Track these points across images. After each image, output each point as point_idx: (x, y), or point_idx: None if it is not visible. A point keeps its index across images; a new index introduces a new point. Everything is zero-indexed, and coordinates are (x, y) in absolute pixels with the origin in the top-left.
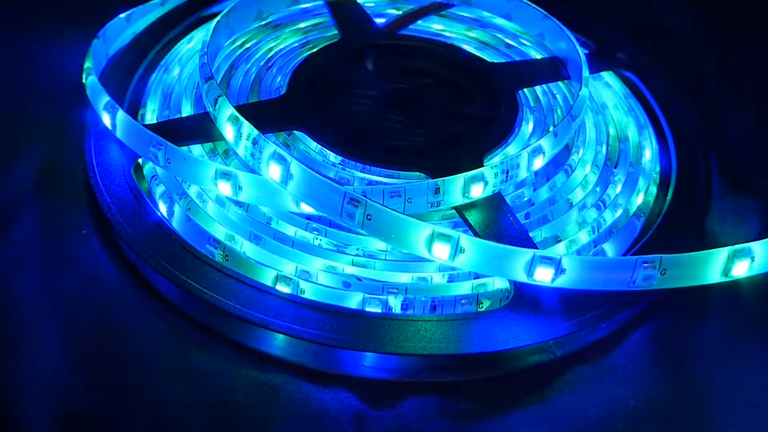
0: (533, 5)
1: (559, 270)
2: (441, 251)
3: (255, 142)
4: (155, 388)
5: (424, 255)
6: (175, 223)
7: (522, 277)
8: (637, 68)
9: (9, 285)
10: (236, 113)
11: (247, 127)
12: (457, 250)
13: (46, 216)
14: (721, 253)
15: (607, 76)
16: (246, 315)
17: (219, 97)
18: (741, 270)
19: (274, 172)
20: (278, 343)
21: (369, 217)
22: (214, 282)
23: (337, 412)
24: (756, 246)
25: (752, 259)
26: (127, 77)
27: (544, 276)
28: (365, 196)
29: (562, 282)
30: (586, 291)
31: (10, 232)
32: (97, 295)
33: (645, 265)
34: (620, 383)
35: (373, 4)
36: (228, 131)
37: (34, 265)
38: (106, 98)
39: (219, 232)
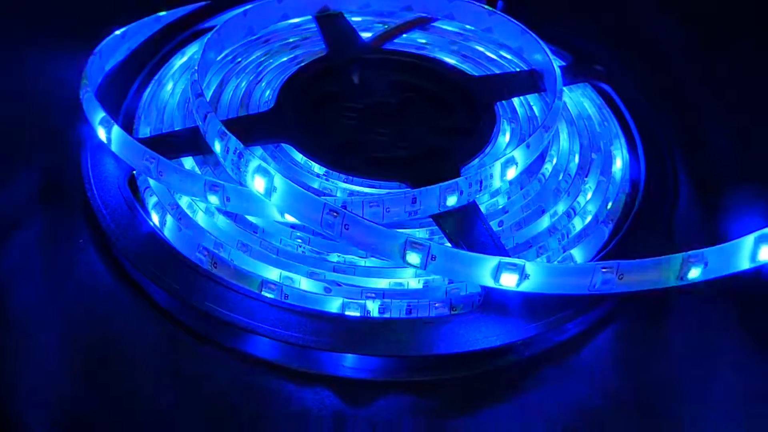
0: (513, 20)
1: (523, 275)
2: (414, 259)
3: (241, 156)
4: (148, 390)
5: (398, 262)
6: (167, 233)
7: (489, 282)
8: (612, 80)
9: (9, 293)
10: (224, 128)
11: (234, 142)
12: (428, 257)
13: (44, 227)
14: (676, 259)
15: (584, 87)
16: (233, 319)
17: (208, 113)
18: (695, 274)
19: (258, 184)
20: (263, 345)
21: (347, 226)
22: (203, 288)
23: (319, 411)
24: (709, 252)
25: (705, 264)
26: (123, 92)
27: (509, 281)
28: (345, 207)
29: (526, 287)
30: (551, 294)
31: (10, 243)
32: (94, 301)
33: (603, 270)
34: (586, 382)
35: (359, 19)
36: (216, 146)
37: (33, 273)
38: (101, 114)
39: (208, 240)
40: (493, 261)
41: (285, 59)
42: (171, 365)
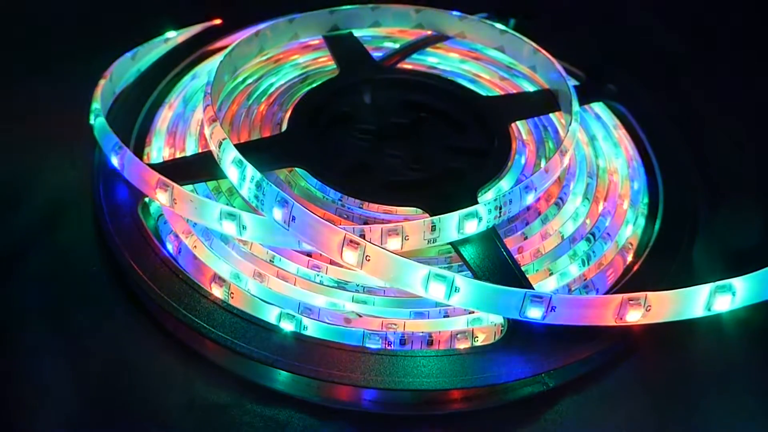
0: (525, 39)
1: (550, 308)
2: (437, 291)
3: (259, 186)
4: (165, 422)
5: (421, 294)
6: (182, 261)
7: (515, 315)
8: (625, 99)
9: (22, 321)
10: (240, 157)
11: (251, 170)
12: (452, 289)
13: (57, 254)
14: (704, 289)
15: (597, 107)
16: (251, 352)
17: (223, 140)
18: (723, 305)
19: (277, 214)
20: (282, 378)
21: (368, 258)
22: (219, 320)
23: None
24: (737, 282)
25: (733, 294)
26: (133, 115)
27: (535, 314)
28: (362, 236)
29: (552, 319)
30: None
31: (23, 270)
32: (107, 331)
33: (631, 302)
34: (611, 412)
35: (370, 38)
36: (232, 173)
37: (45, 302)
38: (114, 140)
39: (224, 270)
40: (519, 293)
41: (296, 80)
42: (187, 397)
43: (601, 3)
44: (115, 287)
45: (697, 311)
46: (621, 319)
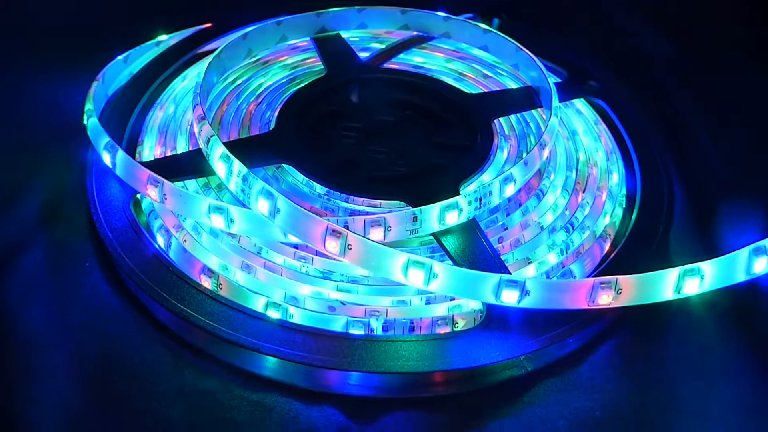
0: (508, 38)
1: (524, 292)
2: (416, 277)
3: (245, 179)
4: (156, 409)
5: (401, 281)
6: (172, 254)
7: (491, 299)
8: (606, 95)
9: (18, 316)
10: (227, 152)
11: (238, 165)
12: (430, 275)
13: (51, 250)
14: (672, 273)
15: (579, 103)
16: (239, 340)
17: (211, 137)
18: (692, 288)
19: (262, 206)
20: (269, 365)
21: (350, 247)
22: (209, 309)
23: (325, 428)
24: (705, 265)
25: (701, 277)
26: (126, 115)
27: (510, 298)
28: (346, 227)
29: (527, 303)
30: (552, 310)
31: (18, 266)
32: (101, 323)
33: (602, 285)
34: (587, 395)
35: (357, 39)
36: (220, 168)
37: (41, 296)
38: (106, 139)
39: (213, 262)
40: (494, 278)
41: (284, 80)
42: (177, 384)
43: (586, 3)
44: (108, 281)
45: (667, 294)
46: (594, 302)
